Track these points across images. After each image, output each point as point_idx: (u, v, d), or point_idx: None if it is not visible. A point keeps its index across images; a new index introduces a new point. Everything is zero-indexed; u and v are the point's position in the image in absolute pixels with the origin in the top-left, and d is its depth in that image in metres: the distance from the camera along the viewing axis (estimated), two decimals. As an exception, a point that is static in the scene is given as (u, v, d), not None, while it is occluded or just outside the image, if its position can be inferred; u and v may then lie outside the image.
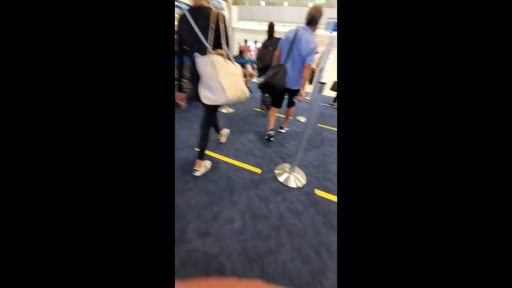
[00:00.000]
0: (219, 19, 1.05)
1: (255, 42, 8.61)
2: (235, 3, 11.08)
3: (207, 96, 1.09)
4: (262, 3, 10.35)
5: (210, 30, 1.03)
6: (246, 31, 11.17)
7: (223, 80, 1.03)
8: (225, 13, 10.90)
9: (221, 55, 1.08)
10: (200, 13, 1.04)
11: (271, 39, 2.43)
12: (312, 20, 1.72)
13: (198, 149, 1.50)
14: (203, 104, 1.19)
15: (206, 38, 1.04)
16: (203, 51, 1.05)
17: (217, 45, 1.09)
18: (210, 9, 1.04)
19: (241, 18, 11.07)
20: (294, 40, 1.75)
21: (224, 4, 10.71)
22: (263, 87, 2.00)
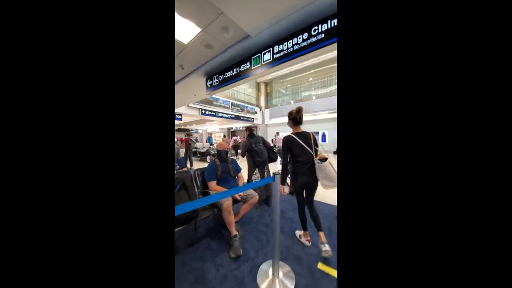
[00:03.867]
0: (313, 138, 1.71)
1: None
2: (267, 107, 13.32)
3: (327, 184, 1.60)
4: (292, 102, 12.03)
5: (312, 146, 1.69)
6: (277, 125, 12.51)
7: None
8: (259, 115, 13.09)
9: (325, 158, 1.63)
10: (304, 136, 1.71)
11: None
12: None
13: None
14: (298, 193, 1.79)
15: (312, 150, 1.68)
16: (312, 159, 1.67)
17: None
18: (308, 133, 1.71)
19: (272, 116, 12.84)
20: None
21: (257, 109, 12.97)
22: None
